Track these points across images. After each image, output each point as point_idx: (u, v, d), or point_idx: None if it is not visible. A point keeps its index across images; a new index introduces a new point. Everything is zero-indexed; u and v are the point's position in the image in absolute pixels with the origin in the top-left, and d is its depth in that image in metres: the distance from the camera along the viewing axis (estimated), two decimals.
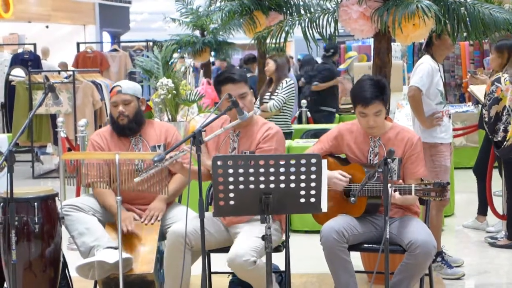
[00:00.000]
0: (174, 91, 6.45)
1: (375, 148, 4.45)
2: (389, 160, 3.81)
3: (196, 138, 3.78)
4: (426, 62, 5.50)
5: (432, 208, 5.48)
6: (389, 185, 3.95)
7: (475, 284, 5.54)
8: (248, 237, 4.20)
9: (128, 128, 4.76)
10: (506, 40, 6.31)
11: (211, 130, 4.43)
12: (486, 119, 6.13)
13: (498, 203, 6.80)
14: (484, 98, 6.27)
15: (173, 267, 4.32)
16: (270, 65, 7.98)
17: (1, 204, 4.34)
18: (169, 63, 6.69)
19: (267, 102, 7.90)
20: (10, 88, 11.63)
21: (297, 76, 11.54)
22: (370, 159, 4.46)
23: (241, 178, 3.57)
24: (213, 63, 14.70)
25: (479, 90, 7.04)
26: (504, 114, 6.03)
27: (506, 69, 6.19)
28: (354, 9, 5.29)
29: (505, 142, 6.02)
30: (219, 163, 3.57)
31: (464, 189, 7.99)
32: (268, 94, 7.98)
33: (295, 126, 9.32)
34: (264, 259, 4.12)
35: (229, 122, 4.46)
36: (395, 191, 4.15)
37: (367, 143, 4.48)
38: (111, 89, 4.84)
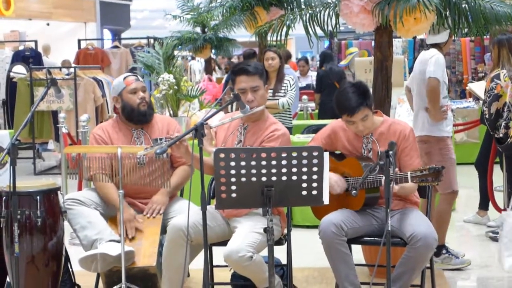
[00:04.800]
0: (176, 87, 6.46)
1: (368, 145, 4.46)
2: (391, 152, 3.82)
3: (198, 131, 3.79)
4: (438, 54, 5.47)
5: (443, 202, 5.51)
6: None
7: (477, 277, 5.56)
8: (245, 232, 4.21)
9: (149, 114, 4.82)
10: (502, 35, 6.27)
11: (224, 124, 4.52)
12: (487, 116, 6.14)
13: (499, 197, 6.82)
14: (484, 95, 6.28)
15: (172, 260, 4.34)
16: (276, 61, 7.68)
17: (4, 197, 4.36)
18: (172, 58, 6.68)
19: (270, 99, 7.78)
20: (11, 85, 11.66)
21: (322, 72, 11.31)
22: (364, 155, 4.47)
23: (243, 171, 3.58)
24: None
25: (478, 87, 7.05)
26: (505, 110, 6.04)
27: (503, 64, 6.18)
28: (355, 3, 5.29)
29: (509, 139, 6.03)
30: (221, 155, 3.58)
31: (465, 184, 7.98)
32: (270, 91, 7.77)
33: (296, 122, 9.34)
34: (261, 254, 4.15)
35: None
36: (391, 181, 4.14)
37: (359, 140, 4.48)
38: (125, 78, 4.86)
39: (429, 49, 5.58)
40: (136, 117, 4.80)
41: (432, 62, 5.46)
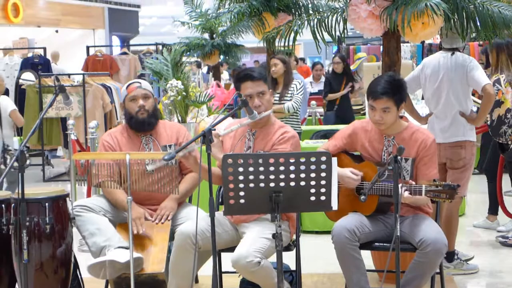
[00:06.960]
0: (184, 93, 6.46)
1: (389, 148, 4.43)
2: (399, 158, 3.80)
3: (206, 137, 3.79)
4: (473, 59, 5.45)
5: (453, 207, 5.48)
6: (400, 184, 3.94)
7: (487, 283, 5.53)
8: (253, 238, 4.20)
9: (148, 123, 4.79)
10: (500, 39, 6.20)
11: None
12: (489, 122, 6.12)
13: (509, 202, 6.80)
14: None
15: (179, 266, 4.33)
16: (279, 67, 7.80)
17: (13, 204, 4.37)
18: (180, 64, 6.69)
19: (276, 103, 7.79)
20: (20, 92, 11.70)
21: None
22: (384, 158, 4.44)
23: (251, 177, 3.57)
24: None
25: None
26: (508, 116, 6.01)
27: (502, 69, 6.14)
28: (363, 8, 5.30)
29: (510, 145, 6.01)
30: (229, 161, 3.57)
31: (474, 189, 7.97)
32: (277, 95, 7.79)
33: (305, 127, 9.33)
34: (269, 259, 4.13)
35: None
36: (405, 191, 4.14)
37: (381, 142, 4.47)
38: (128, 86, 4.88)
39: (455, 53, 5.48)
40: (134, 125, 4.81)
41: (476, 68, 5.39)
